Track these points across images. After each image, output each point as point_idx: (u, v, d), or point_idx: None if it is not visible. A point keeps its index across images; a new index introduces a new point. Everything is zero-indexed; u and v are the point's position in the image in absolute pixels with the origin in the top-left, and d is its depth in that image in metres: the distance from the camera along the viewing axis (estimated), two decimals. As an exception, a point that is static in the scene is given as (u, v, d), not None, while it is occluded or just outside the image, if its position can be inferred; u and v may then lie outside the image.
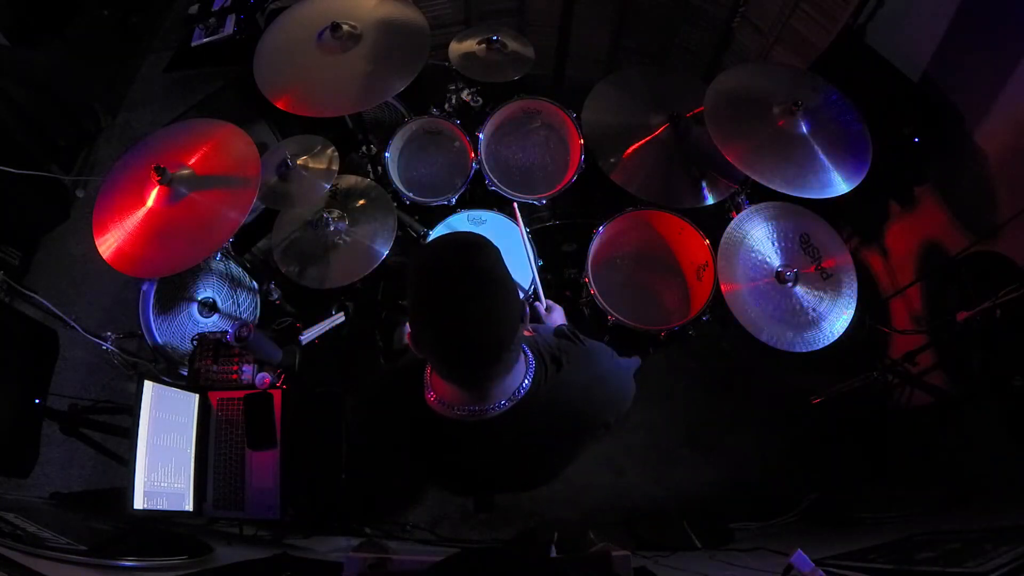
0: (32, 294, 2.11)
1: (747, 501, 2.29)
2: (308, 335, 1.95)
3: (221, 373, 1.87)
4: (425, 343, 0.87)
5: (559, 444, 1.07)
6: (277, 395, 1.80)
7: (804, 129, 1.88)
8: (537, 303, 1.63)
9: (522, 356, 0.97)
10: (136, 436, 1.57)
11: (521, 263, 2.00)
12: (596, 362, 1.11)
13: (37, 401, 1.87)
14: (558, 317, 1.60)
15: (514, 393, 0.95)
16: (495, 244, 0.90)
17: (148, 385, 1.64)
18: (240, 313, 2.17)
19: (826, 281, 1.91)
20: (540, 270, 2.03)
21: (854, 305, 1.89)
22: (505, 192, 2.17)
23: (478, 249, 0.86)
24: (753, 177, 1.87)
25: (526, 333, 1.13)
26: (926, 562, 1.40)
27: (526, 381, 0.96)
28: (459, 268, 0.84)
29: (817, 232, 1.96)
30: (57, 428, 1.94)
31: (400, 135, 2.30)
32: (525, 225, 2.10)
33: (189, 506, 1.67)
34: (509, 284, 0.87)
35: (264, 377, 1.83)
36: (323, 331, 1.98)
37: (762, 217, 1.98)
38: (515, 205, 1.94)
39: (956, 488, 1.87)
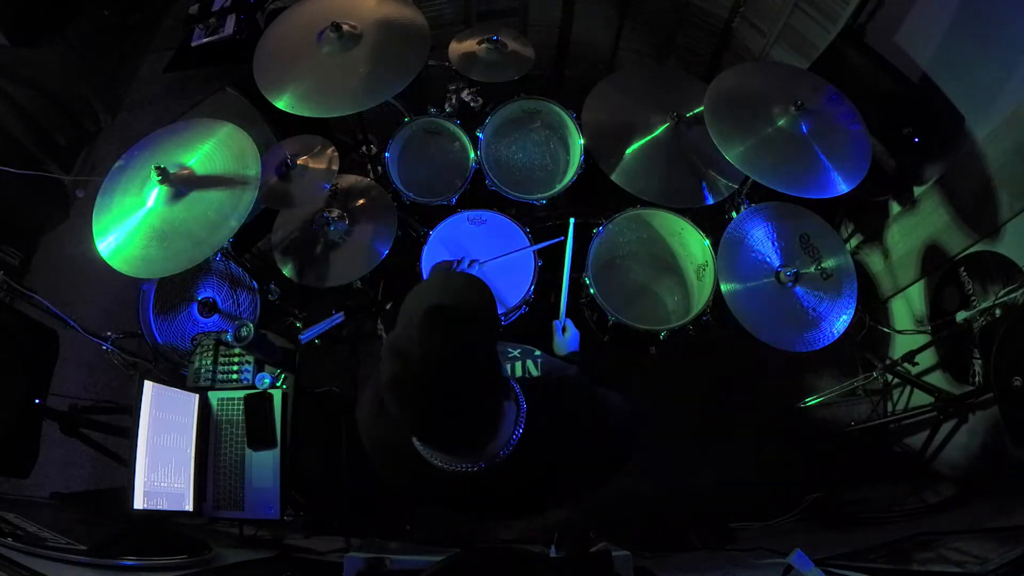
0: (32, 294, 2.10)
1: (747, 501, 2.29)
2: (308, 335, 1.95)
3: (221, 373, 1.87)
4: (399, 422, 0.83)
5: (556, 479, 1.04)
6: (277, 395, 1.81)
7: (804, 129, 1.88)
8: (556, 321, 1.54)
9: (513, 410, 0.93)
10: (136, 436, 1.57)
11: (526, 264, 2.01)
12: (594, 402, 1.08)
13: (37, 401, 1.87)
14: (572, 342, 1.51)
15: (504, 448, 0.91)
16: (488, 300, 0.84)
17: (148, 385, 1.64)
18: (240, 313, 2.17)
19: (826, 281, 1.91)
20: (540, 270, 2.03)
21: (854, 305, 1.89)
22: (505, 192, 2.17)
23: (460, 327, 0.78)
24: (753, 177, 1.87)
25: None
26: (926, 562, 1.40)
27: (518, 431, 0.92)
28: (434, 355, 0.76)
29: (817, 232, 1.97)
30: (57, 428, 1.94)
31: (400, 135, 2.30)
32: (525, 226, 2.10)
33: (189, 506, 1.67)
34: (491, 363, 0.82)
35: (264, 377, 1.83)
36: (323, 331, 1.97)
37: (762, 217, 1.98)
38: (572, 221, 1.72)
39: (956, 488, 1.87)
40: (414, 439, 0.93)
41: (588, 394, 1.09)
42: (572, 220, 1.72)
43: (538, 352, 1.32)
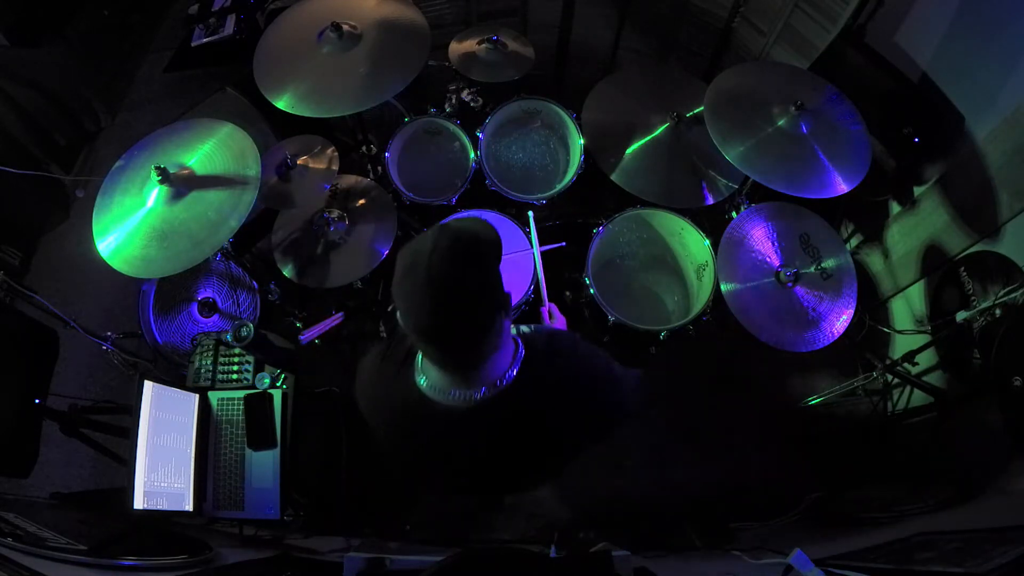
0: (32, 294, 2.10)
1: (747, 501, 2.28)
2: (308, 335, 1.95)
3: (221, 373, 1.87)
4: (404, 319, 0.89)
5: (549, 435, 1.07)
6: (277, 395, 1.81)
7: (804, 129, 1.88)
8: (541, 307, 1.62)
9: (511, 345, 1.00)
10: (136, 436, 1.57)
11: (526, 264, 2.01)
12: (590, 357, 1.12)
13: (37, 401, 1.87)
14: (559, 327, 1.56)
15: (499, 380, 0.97)
16: (496, 234, 0.93)
17: (148, 385, 1.64)
18: (240, 313, 2.17)
19: (826, 281, 1.91)
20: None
21: (854, 305, 1.89)
22: (505, 192, 2.17)
23: (464, 239, 0.88)
24: (753, 177, 1.87)
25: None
26: (926, 562, 1.40)
27: (513, 370, 0.98)
28: (438, 251, 0.85)
29: (817, 232, 1.97)
30: (57, 428, 1.94)
31: (400, 135, 2.30)
32: (525, 226, 2.10)
33: (189, 506, 1.67)
34: (486, 279, 0.90)
35: (264, 377, 1.83)
36: (323, 331, 1.97)
37: (762, 217, 1.98)
38: (530, 214, 1.90)
39: (956, 488, 1.87)
40: (416, 365, 1.01)
41: (580, 345, 1.14)
42: (530, 213, 1.87)
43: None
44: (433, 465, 1.19)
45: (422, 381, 0.99)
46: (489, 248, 0.91)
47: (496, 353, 0.95)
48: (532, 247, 1.81)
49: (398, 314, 0.91)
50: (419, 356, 1.02)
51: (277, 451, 1.76)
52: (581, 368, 1.09)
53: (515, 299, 1.99)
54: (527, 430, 1.03)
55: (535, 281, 2.01)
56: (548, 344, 1.08)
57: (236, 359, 1.88)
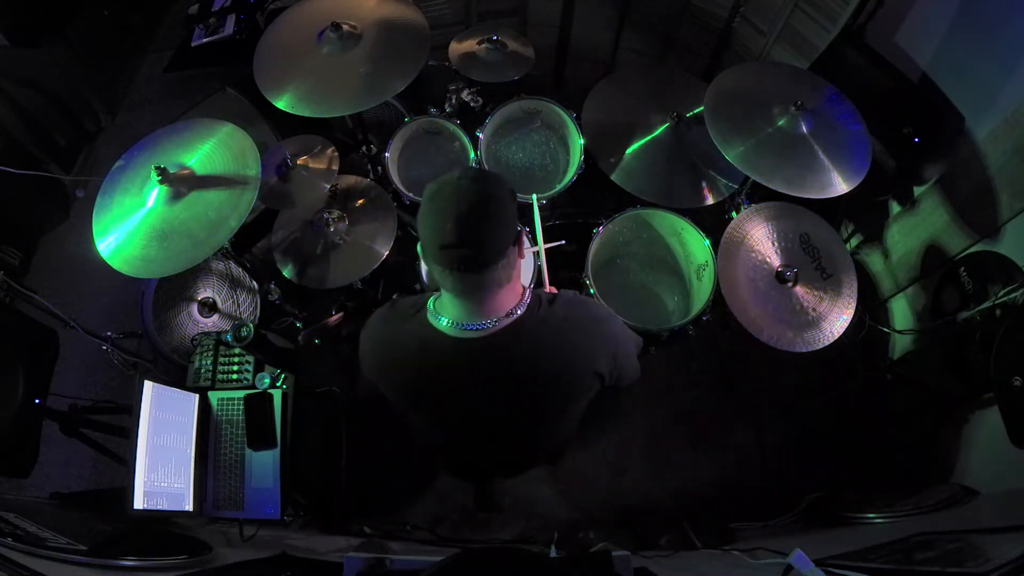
0: (32, 294, 2.10)
1: (747, 501, 2.29)
2: (308, 335, 1.95)
3: (221, 373, 1.87)
4: (427, 242, 0.97)
5: (551, 378, 1.12)
6: (277, 395, 1.81)
7: (804, 129, 1.88)
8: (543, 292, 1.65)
9: (520, 288, 1.09)
10: (136, 436, 1.58)
11: (526, 264, 2.01)
12: (593, 306, 1.19)
13: (37, 401, 1.87)
14: None
15: (508, 314, 1.04)
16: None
17: (148, 385, 1.64)
18: (240, 313, 2.17)
19: (826, 281, 1.91)
20: (539, 270, 2.03)
21: (854, 305, 1.89)
22: (505, 192, 2.16)
23: (488, 174, 1.00)
24: (753, 177, 1.87)
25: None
26: (926, 562, 1.40)
27: (519, 309, 1.06)
28: (465, 178, 0.97)
29: (817, 232, 1.96)
30: (57, 428, 1.94)
31: (400, 135, 2.29)
32: (524, 225, 2.10)
33: (189, 506, 1.67)
34: (506, 206, 0.98)
35: (264, 377, 1.83)
36: (323, 331, 1.98)
37: (762, 217, 1.97)
38: (533, 197, 1.93)
39: (956, 488, 1.87)
40: (429, 309, 1.08)
41: (579, 296, 1.21)
42: (534, 196, 1.91)
43: None
44: (445, 418, 1.23)
45: (441, 321, 1.06)
46: (508, 186, 1.01)
47: (507, 285, 1.03)
48: (536, 231, 1.80)
49: (419, 247, 0.99)
50: (430, 303, 1.10)
51: (277, 451, 1.76)
52: (582, 311, 1.16)
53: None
54: (533, 367, 1.09)
55: (536, 274, 2.01)
56: (551, 295, 1.15)
57: (236, 359, 1.88)
